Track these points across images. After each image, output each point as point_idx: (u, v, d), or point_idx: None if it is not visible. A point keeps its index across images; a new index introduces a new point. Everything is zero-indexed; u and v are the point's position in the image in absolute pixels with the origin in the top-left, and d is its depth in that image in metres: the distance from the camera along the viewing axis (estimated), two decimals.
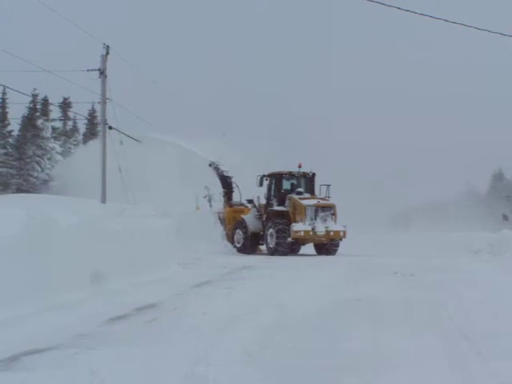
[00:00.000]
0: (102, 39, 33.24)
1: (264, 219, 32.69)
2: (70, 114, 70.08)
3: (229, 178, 36.10)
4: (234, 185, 36.08)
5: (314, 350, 8.57)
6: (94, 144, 43.45)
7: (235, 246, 33.31)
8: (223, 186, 36.21)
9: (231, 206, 35.66)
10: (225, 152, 37.92)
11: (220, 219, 35.27)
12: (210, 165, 36.37)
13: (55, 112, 70.13)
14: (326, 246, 31.54)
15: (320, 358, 8.15)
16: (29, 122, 65.90)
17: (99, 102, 34.05)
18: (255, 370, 7.52)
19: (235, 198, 36.12)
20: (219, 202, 36.60)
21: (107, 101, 33.13)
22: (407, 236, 59.75)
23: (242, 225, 33.32)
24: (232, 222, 34.45)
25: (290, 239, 30.68)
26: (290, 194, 32.47)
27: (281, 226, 30.86)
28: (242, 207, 35.25)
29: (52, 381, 6.95)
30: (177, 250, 21.74)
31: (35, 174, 63.79)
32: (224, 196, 36.11)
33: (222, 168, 36.20)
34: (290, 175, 33.54)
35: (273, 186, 33.20)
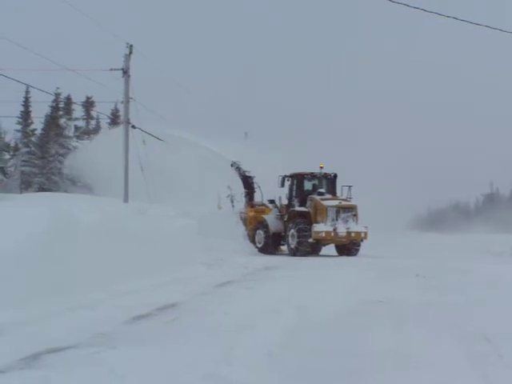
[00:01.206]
0: (125, 38, 33.37)
1: (285, 219, 32.69)
2: (93, 113, 70.37)
3: (250, 178, 36.10)
4: (255, 185, 36.06)
5: (336, 351, 8.54)
6: (115, 132, 43.31)
7: (257, 247, 33.30)
8: (245, 187, 36.22)
9: (253, 206, 35.64)
10: (246, 152, 37.91)
11: (241, 219, 35.26)
12: (231, 165, 36.39)
13: (78, 111, 70.42)
14: (348, 247, 31.50)
15: (342, 358, 8.13)
16: (52, 120, 66.13)
17: (122, 102, 34.19)
18: (277, 371, 7.51)
19: (257, 198, 36.10)
20: (241, 202, 36.60)
21: (130, 100, 33.23)
22: (428, 237, 59.54)
23: (263, 225, 33.34)
24: (253, 222, 34.46)
25: (311, 240, 30.66)
26: (311, 194, 32.44)
27: (302, 227, 30.84)
28: (264, 207, 35.23)
29: (72, 379, 6.96)
30: (199, 249, 21.79)
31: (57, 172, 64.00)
32: (245, 196, 36.12)
33: (244, 168, 36.19)
34: (312, 176, 33.51)
35: (294, 187, 33.20)
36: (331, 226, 30.39)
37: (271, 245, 33.09)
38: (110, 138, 44.76)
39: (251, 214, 35.00)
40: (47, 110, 66.54)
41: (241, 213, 35.75)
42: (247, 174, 36.14)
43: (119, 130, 36.52)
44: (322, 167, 33.06)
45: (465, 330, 10.22)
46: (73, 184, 60.21)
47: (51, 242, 12.08)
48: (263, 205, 35.42)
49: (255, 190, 36.11)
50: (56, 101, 66.20)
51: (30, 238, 11.56)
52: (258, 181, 36.03)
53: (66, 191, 58.82)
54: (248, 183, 36.13)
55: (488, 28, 23.51)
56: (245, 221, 35.08)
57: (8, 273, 10.74)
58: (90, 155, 47.86)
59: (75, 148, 64.07)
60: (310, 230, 30.64)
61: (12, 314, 10.14)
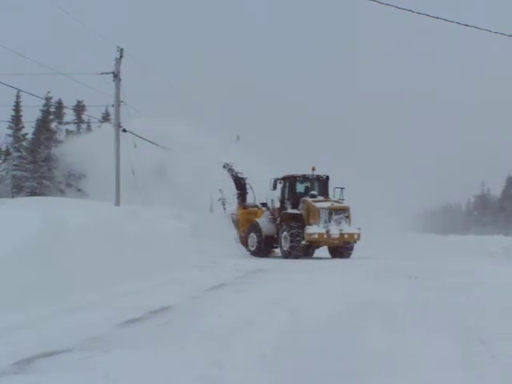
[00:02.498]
0: (115, 42, 33.40)
1: (278, 222, 32.60)
2: (84, 117, 70.24)
3: (243, 179, 36.06)
4: (248, 186, 36.02)
5: (330, 353, 8.52)
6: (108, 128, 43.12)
7: (249, 250, 33.23)
8: (237, 188, 36.17)
9: (245, 207, 35.60)
10: (239, 155, 37.81)
11: (234, 221, 35.21)
12: (224, 166, 36.32)
13: (69, 115, 70.35)
14: (341, 249, 31.37)
15: (336, 360, 8.11)
16: (43, 124, 66.08)
17: (113, 105, 34.16)
18: (271, 373, 7.48)
19: (249, 199, 36.04)
20: (233, 205, 36.51)
21: (121, 104, 33.21)
22: (421, 238, 59.67)
23: (255, 228, 33.24)
24: (246, 223, 34.40)
25: (304, 242, 30.55)
26: (303, 196, 32.36)
27: (295, 229, 30.71)
28: (256, 209, 35.18)
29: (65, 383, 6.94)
30: (191, 252, 21.78)
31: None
32: (238, 197, 36.07)
33: (237, 169, 36.13)
34: (304, 178, 33.41)
35: (286, 189, 33.09)
36: (324, 227, 30.29)
37: (264, 248, 32.96)
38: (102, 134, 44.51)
39: (243, 215, 34.98)
40: (38, 114, 66.55)
41: (232, 214, 35.70)
42: (240, 175, 36.09)
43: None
44: (313, 169, 32.99)
45: (459, 331, 10.20)
46: (68, 187, 60.28)
47: (46, 244, 12.12)
48: (255, 206, 35.37)
49: (247, 191, 36.08)
50: (47, 105, 66.12)
51: (25, 240, 11.60)
52: (250, 182, 35.97)
53: (61, 191, 58.85)
54: (240, 184, 36.09)
55: (477, 29, 23.54)
56: (237, 223, 35.04)
57: (5, 275, 10.74)
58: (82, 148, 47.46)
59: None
60: (302, 232, 30.53)
61: (10, 317, 10.18)
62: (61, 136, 66.70)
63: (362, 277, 19.40)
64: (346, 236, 30.59)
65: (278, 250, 33.13)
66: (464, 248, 40.19)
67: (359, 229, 30.94)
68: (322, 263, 26.92)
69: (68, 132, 68.38)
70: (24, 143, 66.63)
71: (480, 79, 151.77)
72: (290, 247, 30.63)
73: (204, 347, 8.54)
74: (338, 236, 30.35)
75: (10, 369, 7.48)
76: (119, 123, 33.36)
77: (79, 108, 68.50)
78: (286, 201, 32.88)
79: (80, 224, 13.84)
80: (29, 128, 67.73)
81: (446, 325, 10.72)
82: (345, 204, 31.80)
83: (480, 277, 19.32)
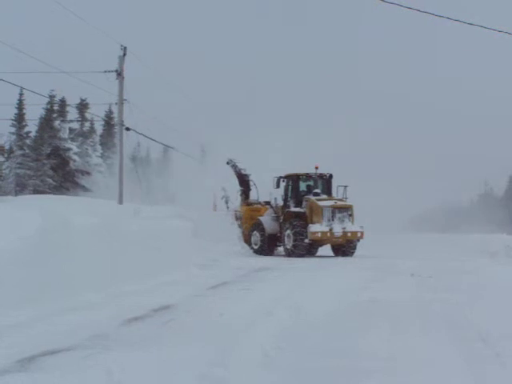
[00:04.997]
0: (119, 40, 33.38)
1: (281, 220, 32.54)
2: (87, 116, 70.17)
3: (246, 176, 35.90)
4: (251, 183, 35.90)
5: (332, 352, 8.51)
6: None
7: (252, 248, 33.13)
8: (240, 185, 36.03)
9: (248, 204, 35.47)
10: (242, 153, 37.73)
11: (237, 218, 35.08)
12: (227, 163, 36.17)
13: (72, 113, 70.29)
14: (344, 248, 31.32)
15: (338, 359, 8.10)
16: (46, 123, 66.08)
17: (116, 103, 34.15)
18: (273, 372, 7.49)
19: (252, 196, 35.91)
20: (236, 203, 36.41)
21: (124, 102, 33.20)
22: (423, 237, 59.64)
23: (259, 226, 33.13)
24: (249, 220, 34.26)
25: (307, 240, 30.48)
26: (307, 195, 32.31)
27: (298, 228, 30.62)
28: (259, 206, 35.03)
29: (67, 382, 6.94)
30: (194, 251, 21.73)
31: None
32: (241, 194, 35.94)
33: (240, 166, 36.00)
34: (307, 176, 33.31)
35: (290, 188, 33.01)
36: (327, 226, 30.20)
37: (267, 246, 32.83)
38: None
39: (246, 212, 34.87)
40: (41, 112, 66.57)
41: (236, 211, 35.58)
42: (243, 171, 35.95)
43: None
44: (317, 168, 32.90)
45: (461, 329, 10.20)
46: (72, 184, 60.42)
47: (48, 244, 12.10)
48: (259, 203, 35.25)
49: (251, 188, 35.96)
50: (50, 103, 66.13)
51: (26, 240, 11.58)
52: (253, 178, 35.88)
53: (66, 189, 58.91)
54: (244, 181, 35.96)
55: (482, 28, 23.47)
56: (240, 219, 34.91)
57: (6, 275, 10.75)
58: None
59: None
60: (305, 230, 30.44)
61: (10, 316, 10.18)
62: (64, 134, 66.68)
63: (364, 275, 19.37)
64: (349, 234, 30.53)
65: (281, 249, 33.08)
66: (466, 247, 40.14)
67: (362, 227, 30.88)
68: (325, 262, 26.89)
69: (71, 130, 68.35)
70: (27, 141, 66.65)
71: (483, 78, 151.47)
72: (293, 246, 30.57)
73: (206, 346, 8.55)
74: (341, 234, 30.30)
75: (14, 367, 7.50)
76: (122, 121, 33.36)
77: (82, 106, 68.46)
78: (289, 199, 32.82)
79: (82, 223, 13.83)
80: (32, 126, 67.85)
81: (447, 323, 10.72)
82: (348, 202, 31.75)
83: (482, 276, 19.30)
